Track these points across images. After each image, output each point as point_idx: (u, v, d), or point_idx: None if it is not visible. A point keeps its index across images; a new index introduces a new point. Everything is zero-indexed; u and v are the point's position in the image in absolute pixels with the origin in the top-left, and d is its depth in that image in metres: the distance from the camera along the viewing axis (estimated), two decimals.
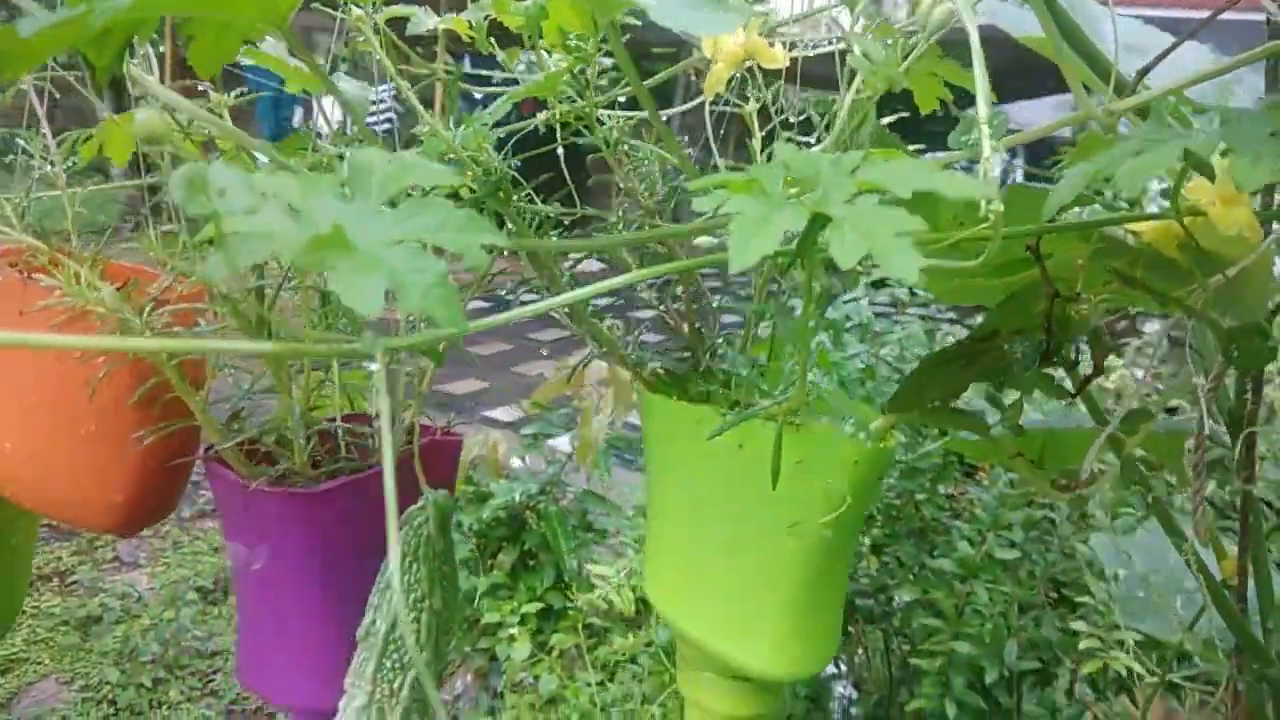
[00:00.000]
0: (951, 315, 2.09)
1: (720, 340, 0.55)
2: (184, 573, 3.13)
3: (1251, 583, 0.65)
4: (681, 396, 0.53)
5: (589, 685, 2.37)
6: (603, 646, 2.30)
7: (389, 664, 0.50)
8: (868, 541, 1.95)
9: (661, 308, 0.57)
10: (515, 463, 2.72)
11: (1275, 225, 0.47)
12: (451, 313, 0.28)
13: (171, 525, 3.52)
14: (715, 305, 0.57)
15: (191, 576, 3.09)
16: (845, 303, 1.73)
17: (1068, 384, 0.51)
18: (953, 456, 1.79)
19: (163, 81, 0.47)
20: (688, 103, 0.60)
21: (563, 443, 2.69)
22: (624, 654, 1.76)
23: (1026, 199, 0.46)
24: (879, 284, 1.79)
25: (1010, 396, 0.54)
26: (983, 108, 0.33)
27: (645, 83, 0.56)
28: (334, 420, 0.58)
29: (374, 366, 0.29)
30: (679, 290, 0.57)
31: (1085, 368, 0.49)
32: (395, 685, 0.49)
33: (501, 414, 4.42)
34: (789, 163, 0.34)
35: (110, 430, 0.55)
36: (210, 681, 2.65)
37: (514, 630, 2.49)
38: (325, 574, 0.55)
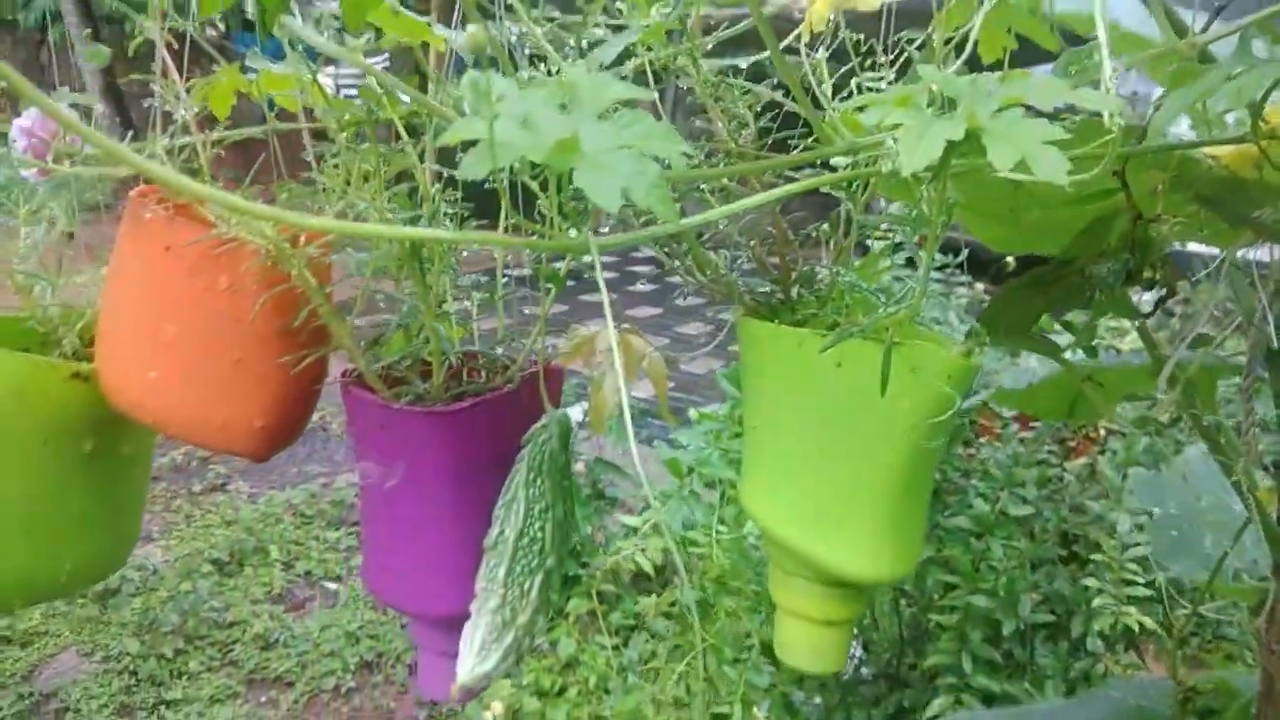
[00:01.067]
0: (966, 279, 2.15)
1: (812, 269, 0.60)
2: (198, 545, 3.16)
3: None
4: (779, 323, 0.57)
5: (605, 648, 2.42)
6: (615, 612, 2.35)
7: (519, 568, 0.54)
8: None
9: (752, 244, 0.62)
10: None
11: None
12: (668, 208, 0.32)
13: (183, 500, 3.55)
14: (803, 236, 0.61)
15: (206, 549, 3.13)
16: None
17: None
18: (965, 418, 1.85)
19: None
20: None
21: (575, 412, 2.73)
22: (645, 613, 1.80)
23: (1097, 132, 0.50)
24: (897, 247, 1.84)
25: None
26: (1101, 32, 0.38)
27: (736, 28, 0.60)
28: (457, 348, 0.63)
29: (589, 259, 0.33)
30: (769, 227, 0.61)
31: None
32: (525, 587, 0.54)
33: None
34: (934, 82, 0.38)
35: (256, 358, 0.58)
36: (229, 651, 2.69)
37: None
38: (456, 488, 0.59)
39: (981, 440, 2.07)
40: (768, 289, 0.61)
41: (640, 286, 7.28)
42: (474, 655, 0.53)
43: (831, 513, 0.55)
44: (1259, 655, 0.78)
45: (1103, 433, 1.91)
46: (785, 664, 0.62)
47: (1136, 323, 0.55)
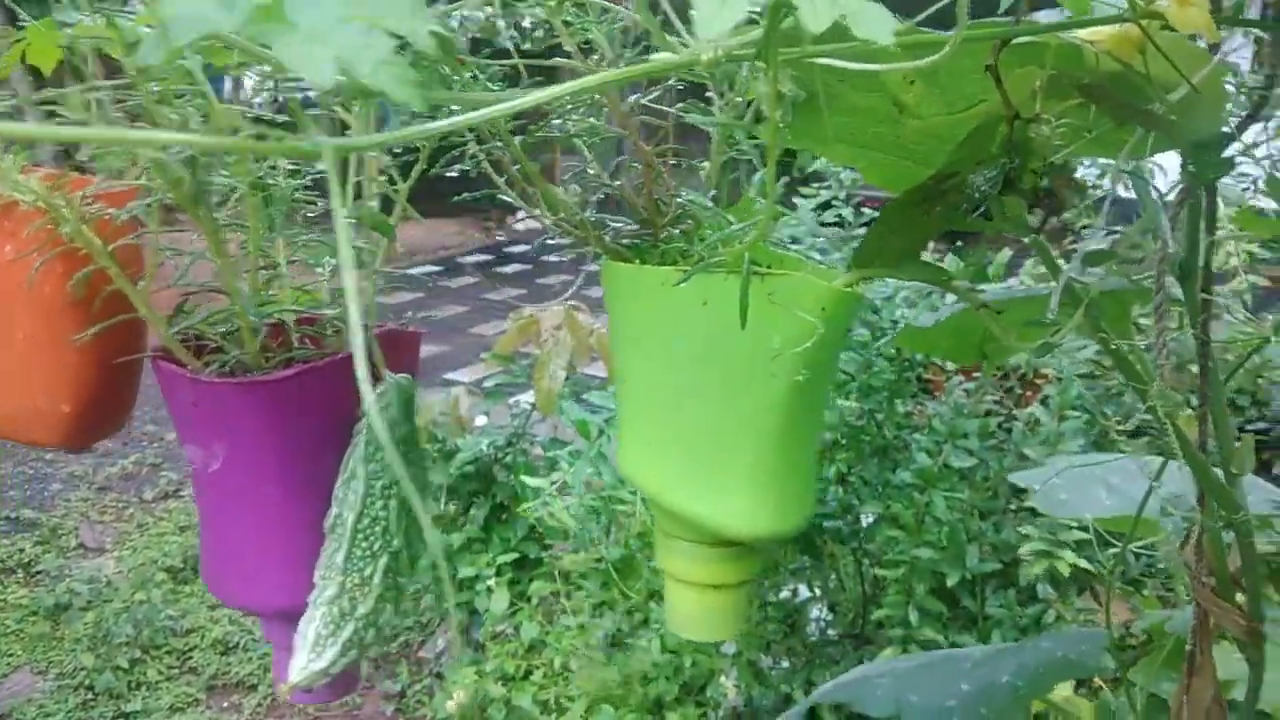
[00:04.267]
0: None
1: (680, 203, 0.54)
2: (151, 554, 3.06)
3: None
4: (642, 264, 0.51)
5: (569, 629, 2.38)
6: (580, 591, 2.31)
7: (359, 553, 0.48)
8: (833, 469, 1.98)
9: (617, 183, 0.56)
10: (481, 419, 2.71)
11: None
12: (406, 90, 0.26)
13: (135, 508, 3.44)
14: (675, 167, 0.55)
15: (159, 557, 3.03)
16: (790, 226, 1.73)
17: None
18: (909, 373, 1.82)
19: None
20: None
21: (528, 395, 2.67)
22: (574, 571, 1.75)
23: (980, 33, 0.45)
24: (825, 206, 1.79)
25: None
26: None
27: None
28: (285, 314, 0.56)
29: (322, 166, 0.27)
30: (634, 165, 0.56)
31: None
32: (367, 574, 0.48)
33: (463, 375, 4.38)
34: None
35: (47, 333, 0.51)
36: (188, 659, 2.61)
37: (491, 582, 2.49)
38: (284, 468, 0.52)
39: (928, 395, 2.04)
40: (635, 228, 0.56)
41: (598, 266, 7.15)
42: (307, 651, 0.47)
43: (705, 465, 0.49)
44: (1191, 589, 0.75)
45: (1050, 377, 1.90)
46: (674, 633, 0.56)
47: (1031, 239, 0.50)
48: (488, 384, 2.57)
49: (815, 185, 1.91)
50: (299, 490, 0.53)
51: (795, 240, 1.70)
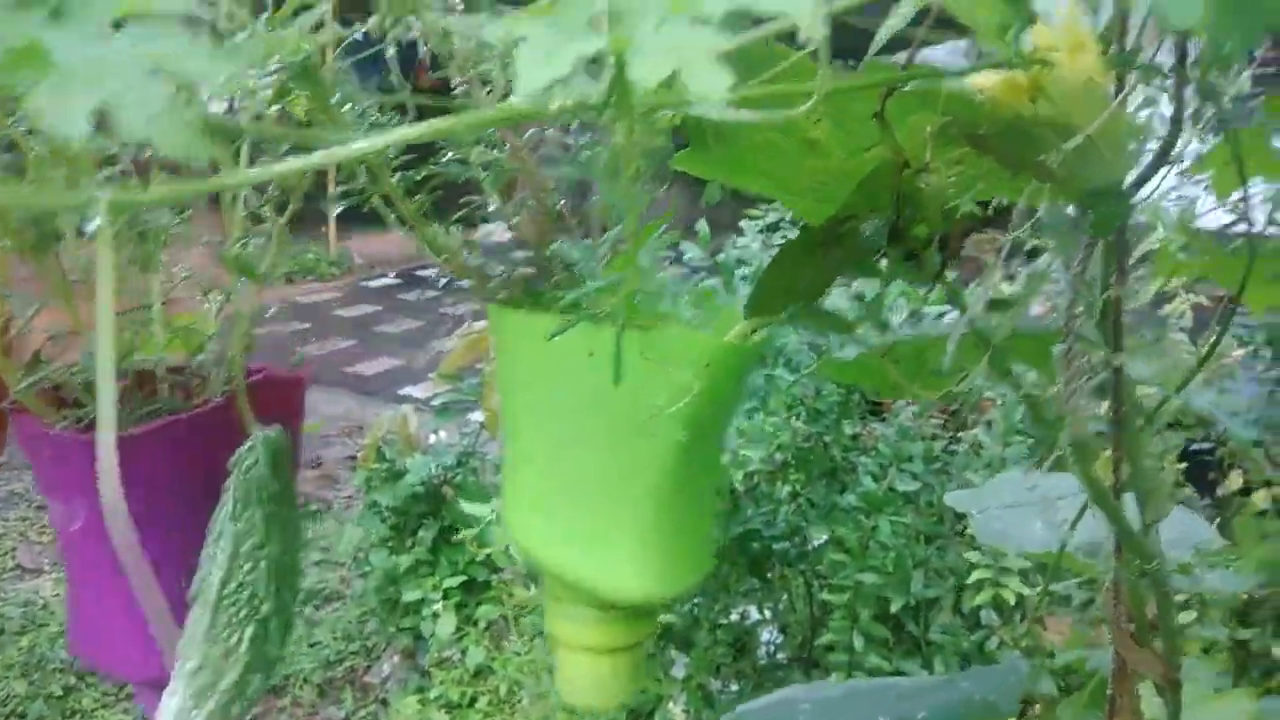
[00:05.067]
0: None
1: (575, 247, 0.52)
2: None
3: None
4: (532, 309, 0.49)
5: (518, 654, 2.34)
6: (532, 615, 2.27)
7: (225, 619, 0.45)
8: (786, 488, 1.97)
9: (514, 219, 0.53)
10: (434, 438, 2.65)
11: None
12: (186, 141, 0.23)
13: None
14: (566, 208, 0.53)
15: None
16: (737, 246, 1.72)
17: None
18: (855, 394, 1.81)
19: None
20: None
21: (480, 414, 2.63)
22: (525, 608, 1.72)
23: (881, 73, 0.43)
24: (774, 228, 1.78)
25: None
26: None
27: None
28: (152, 362, 0.52)
29: (93, 226, 0.24)
30: (531, 200, 0.53)
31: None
32: (232, 642, 0.45)
33: (419, 391, 4.32)
34: None
35: None
36: (125, 686, 2.53)
37: (438, 606, 2.44)
38: (149, 528, 0.49)
39: (876, 417, 2.04)
40: (528, 271, 0.53)
41: None
42: None
43: (588, 525, 0.47)
44: (1111, 632, 0.74)
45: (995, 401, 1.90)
46: (567, 701, 0.54)
47: (927, 289, 0.49)
48: (441, 401, 2.52)
49: (763, 206, 1.90)
50: (165, 551, 0.50)
51: (743, 262, 1.69)
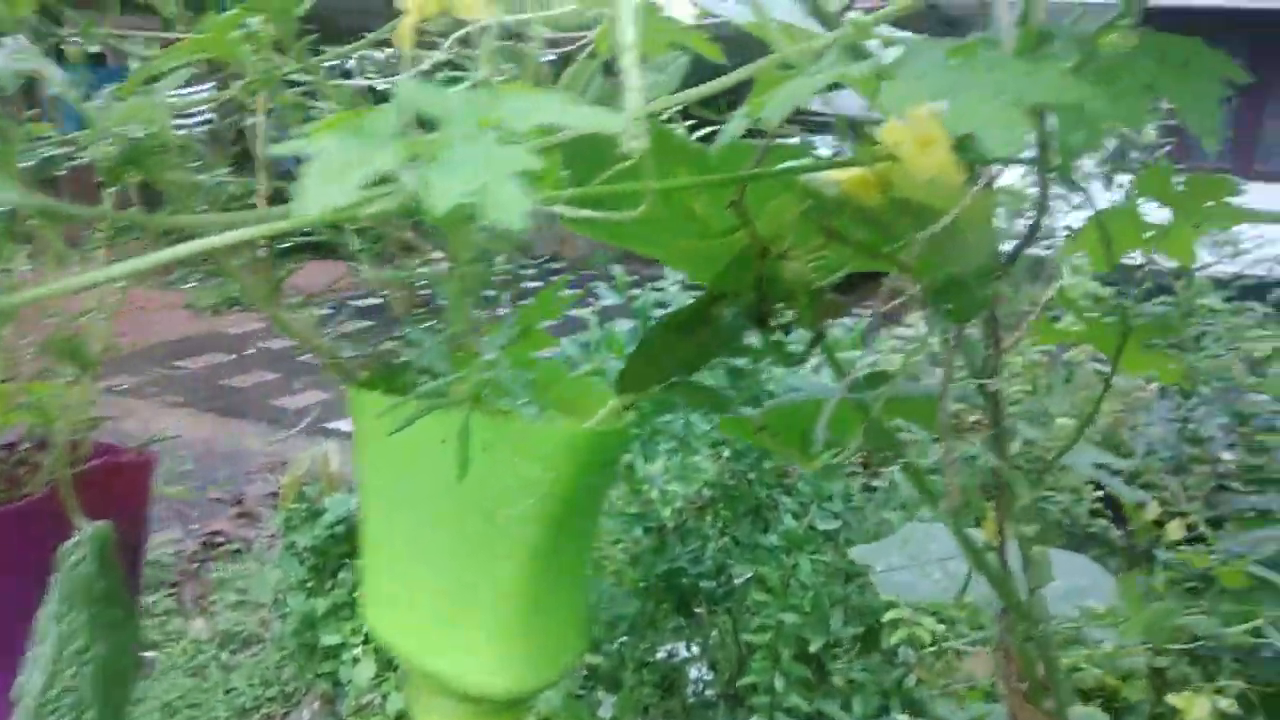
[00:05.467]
0: None
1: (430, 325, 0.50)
2: None
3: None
4: (390, 390, 0.47)
5: None
6: None
7: None
8: (717, 525, 1.96)
9: (385, 294, 0.51)
10: None
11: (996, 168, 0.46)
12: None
13: None
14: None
15: None
16: (656, 289, 1.71)
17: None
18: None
19: None
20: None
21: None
22: None
23: (743, 154, 0.43)
24: (692, 286, 1.79)
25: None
26: (628, 30, 0.29)
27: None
28: None
29: None
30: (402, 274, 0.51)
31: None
32: None
33: (344, 425, 4.22)
34: (410, 101, 0.28)
35: None
36: None
37: (357, 651, 2.37)
38: None
39: None
40: (387, 349, 0.51)
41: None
42: None
43: (447, 618, 0.45)
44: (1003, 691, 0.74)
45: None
46: None
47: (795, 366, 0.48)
48: None
49: None
50: None
51: (661, 305, 1.68)
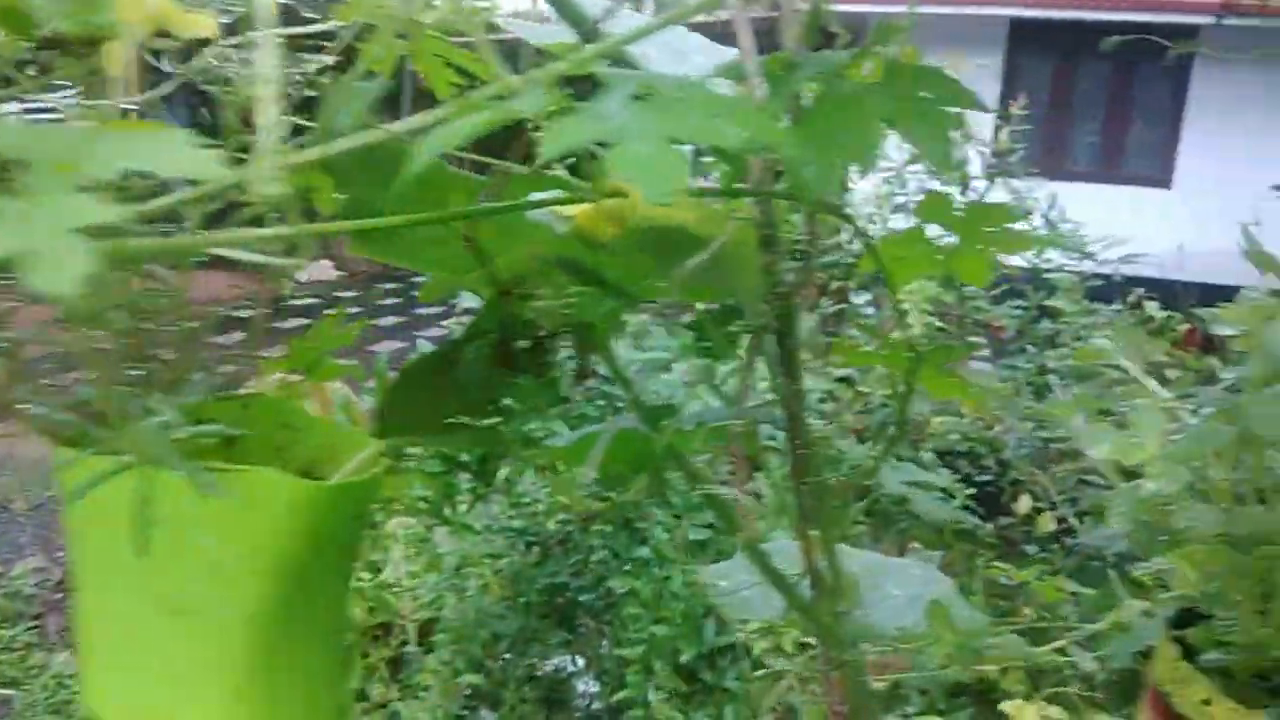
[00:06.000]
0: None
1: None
2: None
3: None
4: (105, 450, 0.42)
5: None
6: None
7: None
8: (599, 540, 1.94)
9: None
10: None
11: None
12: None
13: None
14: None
15: None
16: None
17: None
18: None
19: None
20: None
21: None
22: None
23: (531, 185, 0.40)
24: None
25: None
26: (268, 60, 0.26)
27: None
28: None
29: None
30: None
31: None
32: None
33: None
34: None
35: None
36: None
37: None
38: None
39: None
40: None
41: (385, 320, 6.64)
42: None
43: (172, 694, 0.41)
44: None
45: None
46: None
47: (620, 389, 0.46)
48: None
49: None
50: None
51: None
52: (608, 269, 0.44)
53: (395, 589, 1.84)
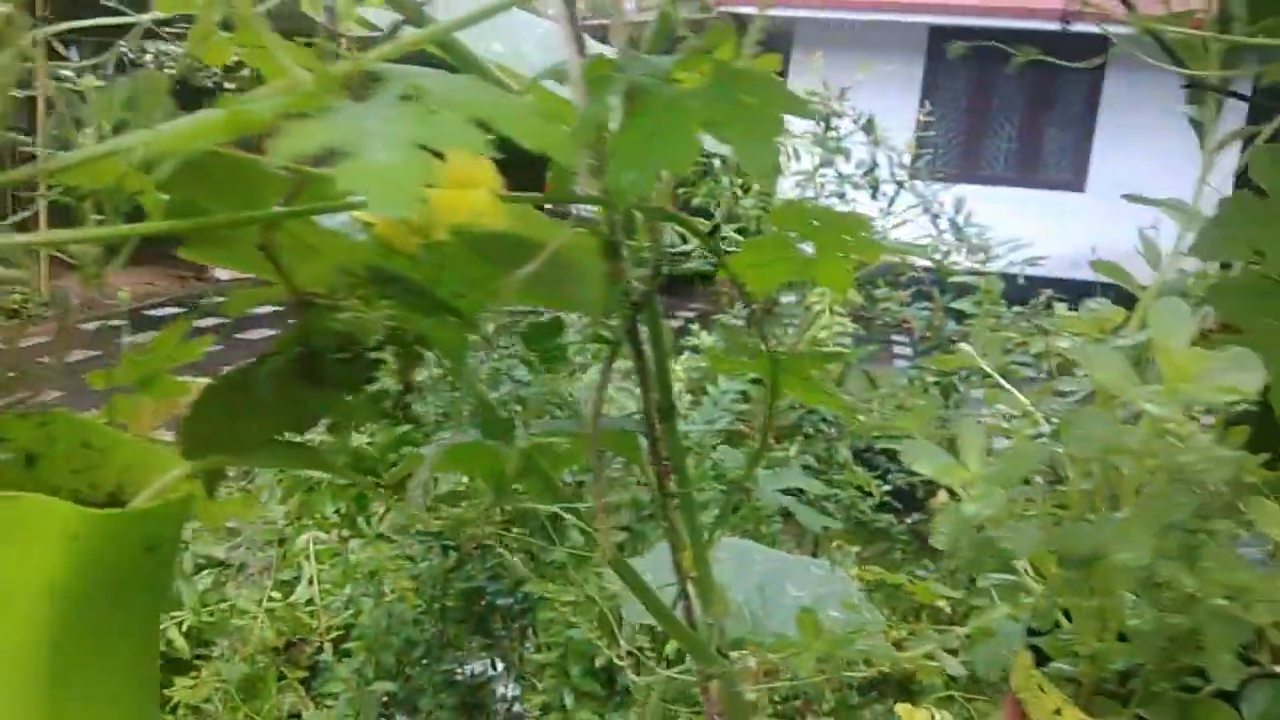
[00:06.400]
0: None
1: None
2: None
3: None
4: None
5: None
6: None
7: None
8: (516, 543, 1.91)
9: None
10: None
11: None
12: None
13: None
14: None
15: None
16: None
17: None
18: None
19: None
20: None
21: None
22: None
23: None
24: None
25: None
26: None
27: None
28: None
29: None
30: None
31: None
32: None
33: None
34: None
35: None
36: None
37: None
38: None
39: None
40: None
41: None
42: None
43: None
44: None
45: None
46: None
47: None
48: None
49: None
50: None
51: None
52: (442, 279, 0.41)
53: (310, 606, 1.79)
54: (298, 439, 0.44)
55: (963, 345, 0.60)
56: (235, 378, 0.41)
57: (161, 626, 1.72)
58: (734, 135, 0.35)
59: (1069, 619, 0.50)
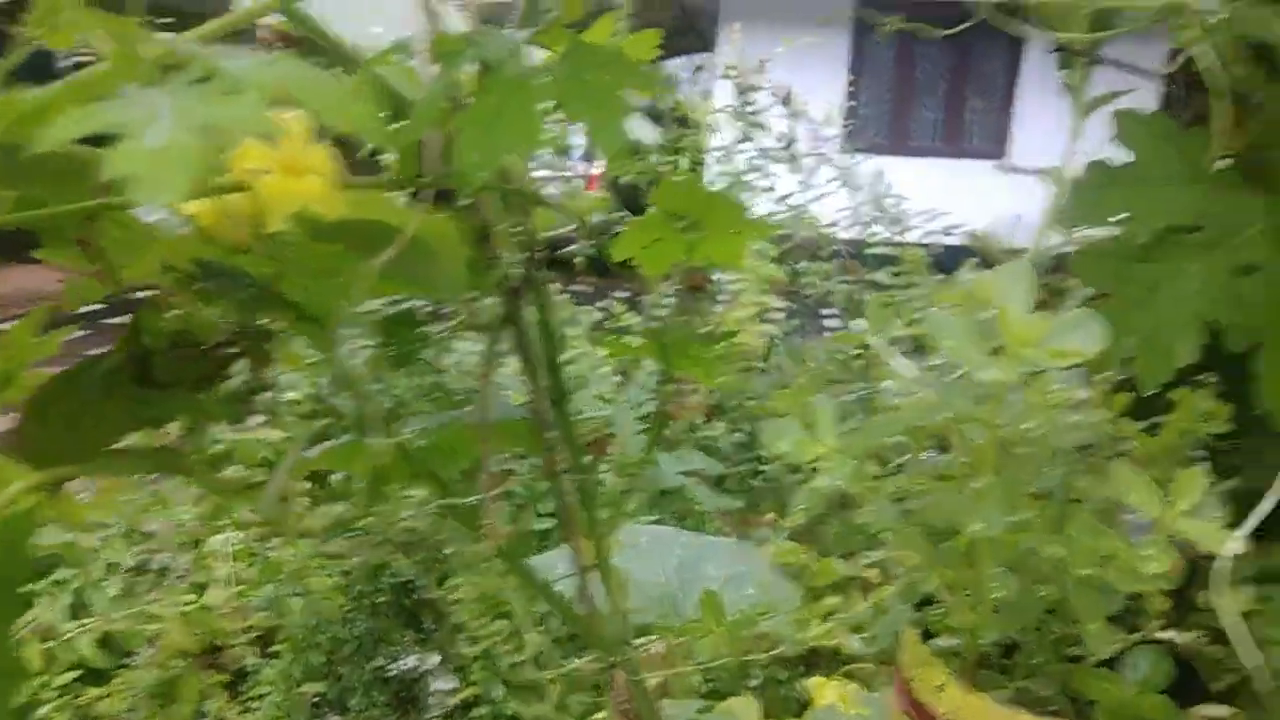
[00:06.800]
0: None
1: None
2: None
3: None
4: None
5: None
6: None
7: None
8: (445, 535, 1.88)
9: None
10: None
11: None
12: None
13: None
14: None
15: None
16: None
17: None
18: None
19: None
20: None
21: None
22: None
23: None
24: None
25: None
26: None
27: None
28: None
29: None
30: None
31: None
32: None
33: None
34: None
35: None
36: None
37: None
38: None
39: (523, 455, 2.01)
40: None
41: None
42: None
43: None
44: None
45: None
46: None
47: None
48: None
49: None
50: None
51: None
52: (289, 270, 0.39)
53: (223, 610, 1.73)
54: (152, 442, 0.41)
55: (858, 323, 0.60)
56: (56, 385, 0.38)
57: (70, 638, 1.65)
58: (582, 113, 0.34)
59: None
